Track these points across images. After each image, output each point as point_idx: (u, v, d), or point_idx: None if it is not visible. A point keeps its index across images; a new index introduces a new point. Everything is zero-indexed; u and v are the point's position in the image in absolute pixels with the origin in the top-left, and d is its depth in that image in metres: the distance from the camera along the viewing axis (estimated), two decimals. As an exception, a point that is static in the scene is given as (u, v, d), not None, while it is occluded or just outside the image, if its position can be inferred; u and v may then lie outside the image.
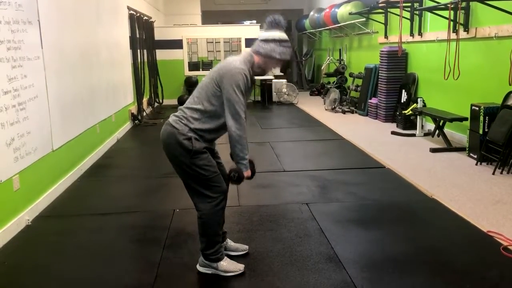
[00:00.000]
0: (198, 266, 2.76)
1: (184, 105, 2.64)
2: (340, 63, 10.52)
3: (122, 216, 3.74)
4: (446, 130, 5.99)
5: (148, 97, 9.75)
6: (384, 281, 2.60)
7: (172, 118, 2.61)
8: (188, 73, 11.20)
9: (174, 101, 10.72)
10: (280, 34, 2.59)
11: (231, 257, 2.82)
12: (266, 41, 2.58)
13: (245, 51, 2.68)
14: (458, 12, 5.52)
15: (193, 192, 2.65)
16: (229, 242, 2.96)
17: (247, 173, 2.60)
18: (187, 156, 2.53)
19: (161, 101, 10.54)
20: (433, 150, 5.58)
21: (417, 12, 6.99)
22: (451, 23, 5.57)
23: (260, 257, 2.90)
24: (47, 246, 3.21)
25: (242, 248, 2.97)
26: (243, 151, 2.55)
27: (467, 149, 5.29)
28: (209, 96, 2.55)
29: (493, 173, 4.55)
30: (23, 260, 2.98)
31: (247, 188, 4.29)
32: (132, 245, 3.20)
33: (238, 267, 2.71)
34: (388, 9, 7.85)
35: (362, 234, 3.25)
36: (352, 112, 9.03)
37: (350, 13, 9.31)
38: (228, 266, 2.70)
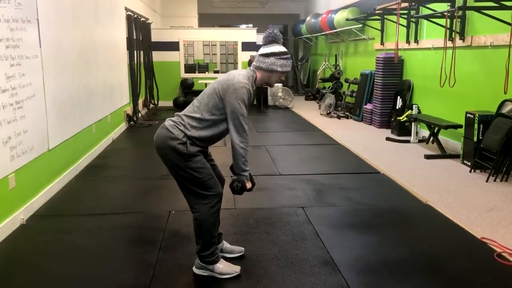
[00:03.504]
0: (194, 268, 2.76)
1: (182, 112, 2.66)
2: (336, 68, 10.57)
3: (117, 216, 3.73)
4: (440, 137, 6.04)
5: (143, 98, 9.74)
6: (379, 285, 2.62)
7: (168, 123, 2.62)
8: (184, 75, 11.21)
9: (170, 103, 10.72)
10: (279, 48, 2.65)
11: (227, 259, 2.83)
12: (266, 55, 2.64)
13: (248, 68, 2.73)
14: (454, 20, 5.58)
15: (189, 194, 2.66)
16: (225, 244, 2.97)
17: (248, 184, 2.64)
18: (181, 160, 2.55)
19: (156, 102, 10.53)
20: (428, 157, 5.62)
21: (413, 20, 7.05)
22: (447, 31, 5.63)
23: (256, 260, 2.91)
24: (41, 245, 3.20)
25: (238, 250, 2.98)
26: (245, 164, 2.59)
27: (461, 156, 5.34)
28: (209, 107, 2.58)
29: (487, 181, 4.59)
30: (17, 259, 2.97)
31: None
32: (128, 246, 3.20)
33: (234, 269, 2.72)
34: (385, 16, 7.91)
35: (357, 238, 3.27)
36: (347, 117, 9.07)
37: (347, 19, 9.38)
38: (224, 268, 2.71)
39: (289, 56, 2.68)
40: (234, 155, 2.57)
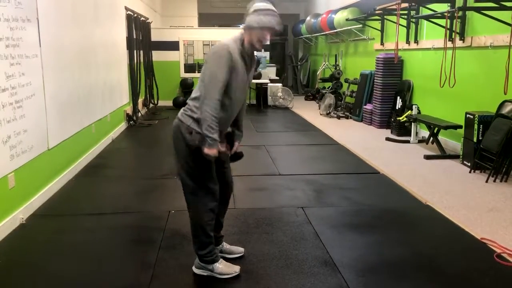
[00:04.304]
0: (194, 268, 2.76)
1: (189, 98, 2.67)
2: (335, 68, 10.57)
3: (117, 216, 3.73)
4: (440, 137, 6.04)
5: (143, 98, 9.73)
6: (379, 286, 2.62)
7: (180, 112, 2.63)
8: (184, 75, 11.20)
9: (169, 103, 10.71)
10: (262, 4, 2.49)
11: (227, 260, 2.83)
12: (248, 14, 2.53)
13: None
14: (454, 20, 5.58)
15: (186, 190, 2.65)
16: (225, 246, 2.96)
17: (208, 150, 2.45)
18: (187, 151, 2.55)
19: (156, 102, 10.53)
20: (427, 157, 5.62)
21: (413, 20, 7.05)
22: (447, 31, 5.63)
23: (256, 260, 2.91)
24: (41, 245, 3.19)
25: (238, 251, 2.97)
26: (208, 130, 2.42)
27: (461, 156, 5.34)
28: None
29: (487, 181, 4.59)
30: (17, 259, 2.96)
31: (242, 191, 4.30)
32: (128, 245, 3.19)
33: (234, 269, 2.71)
34: (385, 16, 7.91)
35: (357, 239, 3.26)
36: (346, 117, 9.07)
37: (347, 19, 9.37)
38: (224, 268, 2.70)
39: (270, 11, 2.47)
40: (200, 117, 2.47)
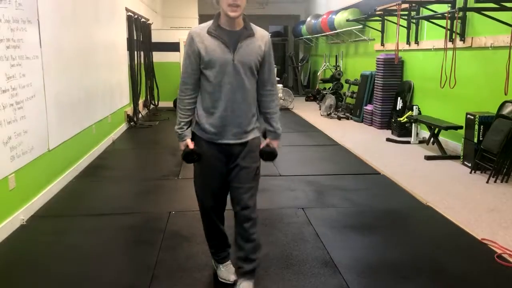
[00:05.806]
0: None
1: None
2: (336, 69, 10.57)
3: (117, 217, 3.73)
4: (441, 138, 6.03)
5: (144, 99, 9.74)
6: (380, 287, 2.61)
7: None
8: (184, 76, 11.20)
9: (170, 104, 10.70)
10: None
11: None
12: None
13: None
14: (455, 21, 5.57)
15: None
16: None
17: (180, 145, 2.45)
18: None
19: (156, 103, 10.53)
20: (428, 158, 5.61)
21: (414, 21, 7.05)
22: (448, 32, 5.63)
23: (256, 261, 2.90)
24: (41, 246, 3.19)
25: (228, 277, 2.71)
26: (176, 123, 2.43)
27: (461, 157, 5.33)
28: None
29: (487, 182, 4.58)
30: (17, 260, 2.96)
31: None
32: (128, 246, 3.19)
33: (228, 278, 2.62)
34: (385, 17, 7.91)
35: (358, 240, 3.26)
36: (347, 118, 9.07)
37: (347, 20, 9.38)
38: (223, 272, 2.66)
39: None
40: None
